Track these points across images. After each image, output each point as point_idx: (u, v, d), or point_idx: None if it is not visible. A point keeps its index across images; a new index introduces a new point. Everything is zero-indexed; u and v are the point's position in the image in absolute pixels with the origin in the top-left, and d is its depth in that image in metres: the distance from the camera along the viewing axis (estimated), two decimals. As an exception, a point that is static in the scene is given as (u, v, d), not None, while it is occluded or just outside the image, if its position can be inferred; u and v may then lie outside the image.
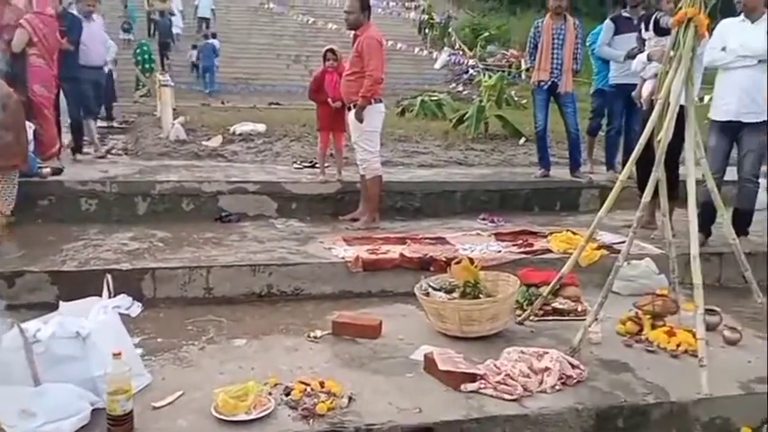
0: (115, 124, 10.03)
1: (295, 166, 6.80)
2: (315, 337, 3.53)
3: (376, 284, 4.37)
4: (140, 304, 3.24)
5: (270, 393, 2.77)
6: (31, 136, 5.37)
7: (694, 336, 3.21)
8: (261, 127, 8.86)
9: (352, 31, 5.33)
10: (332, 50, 5.92)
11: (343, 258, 4.41)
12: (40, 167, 5.46)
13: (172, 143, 7.79)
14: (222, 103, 14.32)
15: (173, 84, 9.97)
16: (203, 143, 7.87)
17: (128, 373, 2.50)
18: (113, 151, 7.40)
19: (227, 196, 5.61)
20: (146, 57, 15.40)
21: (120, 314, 3.03)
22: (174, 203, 5.49)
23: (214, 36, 18.06)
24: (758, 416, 3.01)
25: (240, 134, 8.43)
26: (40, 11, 5.94)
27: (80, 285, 3.68)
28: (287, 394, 2.78)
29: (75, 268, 4.03)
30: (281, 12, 21.63)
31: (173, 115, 8.91)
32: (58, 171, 5.63)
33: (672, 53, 3.44)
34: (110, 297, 3.14)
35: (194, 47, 18.06)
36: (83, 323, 2.72)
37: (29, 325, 2.65)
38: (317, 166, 6.29)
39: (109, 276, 3.25)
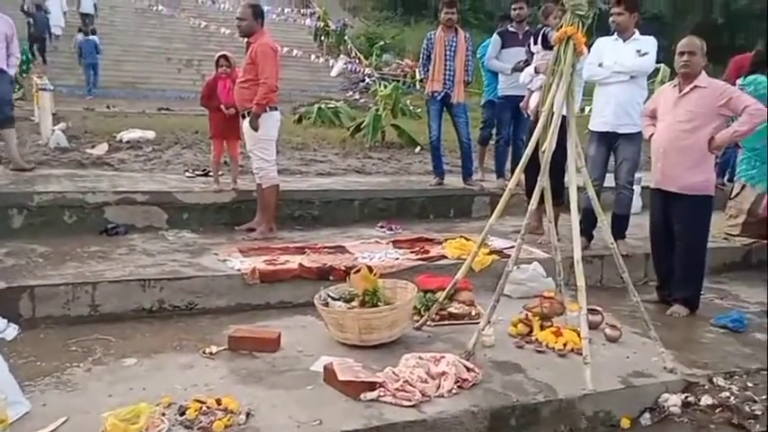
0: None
1: (187, 174, 6.57)
2: (210, 353, 3.43)
3: (274, 296, 4.31)
4: (17, 326, 2.99)
5: (163, 414, 2.67)
6: None
7: (579, 335, 3.40)
8: (150, 134, 8.48)
9: (246, 38, 5.24)
10: (225, 57, 5.79)
11: (239, 270, 4.31)
12: None
13: (52, 151, 7.28)
14: (108, 107, 13.56)
15: (52, 87, 9.33)
16: (87, 151, 7.42)
17: (2, 402, 2.32)
18: (-17, 160, 6.81)
19: (114, 207, 5.33)
20: (23, 57, 14.35)
21: (-6, 338, 2.79)
22: (54, 216, 5.14)
23: (94, 33, 17.14)
24: (636, 407, 3.25)
25: (128, 141, 8.02)
26: None
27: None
28: (182, 414, 2.68)
29: (-61, 289, 3.69)
30: (170, 14, 20.88)
31: (53, 121, 8.35)
32: None
33: (554, 68, 3.65)
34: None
35: (80, 30, 17.06)
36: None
37: None
38: (211, 174, 6.11)
39: (-21, 297, 3.00)
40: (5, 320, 2.93)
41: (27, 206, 5.09)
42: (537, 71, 5.30)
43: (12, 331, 2.86)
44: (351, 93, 17.45)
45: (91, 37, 16.74)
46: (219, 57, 5.82)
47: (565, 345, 3.57)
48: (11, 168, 6.23)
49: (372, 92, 15.63)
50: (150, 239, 5.09)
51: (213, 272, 4.29)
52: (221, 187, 5.85)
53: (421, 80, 9.19)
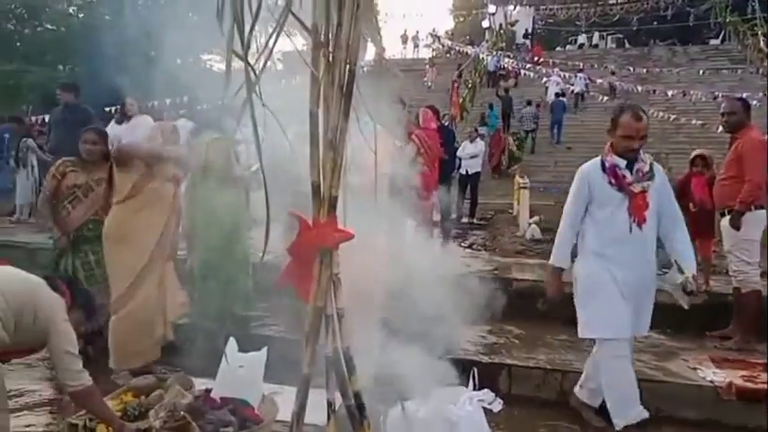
0: (475, 221, 10.94)
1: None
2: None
3: (753, 418, 3.80)
4: (501, 401, 3.36)
5: None
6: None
7: None
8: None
9: (731, 134, 4.97)
10: (702, 156, 5.63)
11: (711, 382, 3.97)
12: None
13: (527, 242, 8.10)
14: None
15: (529, 184, 10.46)
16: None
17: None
18: (474, 246, 8.01)
19: (581, 299, 5.56)
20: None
21: (483, 408, 3.20)
22: (528, 302, 5.62)
23: (563, 95, 20.77)
24: None
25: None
26: (426, 126, 6.96)
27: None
28: None
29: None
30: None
31: (529, 214, 9.32)
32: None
33: None
34: (474, 389, 3.34)
35: (528, 103, 19.94)
36: (453, 410, 2.97)
37: (410, 404, 3.01)
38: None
39: (475, 369, 3.47)
40: (493, 394, 3.32)
41: (507, 291, 5.73)
42: None
43: (497, 405, 3.22)
44: None
45: (560, 98, 20.22)
46: (696, 156, 5.69)
47: None
48: None
49: None
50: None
51: (682, 379, 4.06)
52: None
53: None
